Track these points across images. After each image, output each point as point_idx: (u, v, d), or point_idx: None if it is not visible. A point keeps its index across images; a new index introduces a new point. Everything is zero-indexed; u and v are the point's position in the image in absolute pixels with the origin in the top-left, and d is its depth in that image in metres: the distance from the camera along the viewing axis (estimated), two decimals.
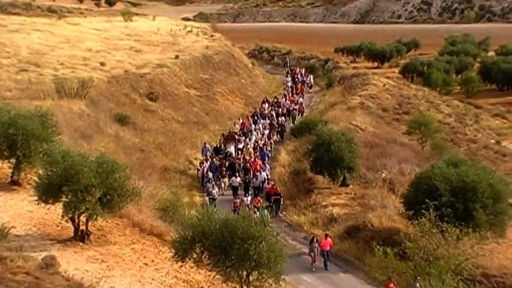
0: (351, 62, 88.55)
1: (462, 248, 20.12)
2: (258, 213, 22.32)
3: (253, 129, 46.71)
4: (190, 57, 60.37)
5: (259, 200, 33.30)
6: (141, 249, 21.53)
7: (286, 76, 68.83)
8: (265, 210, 28.02)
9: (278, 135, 48.66)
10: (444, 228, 20.64)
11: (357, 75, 68.28)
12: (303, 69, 71.23)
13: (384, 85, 63.51)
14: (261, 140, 44.37)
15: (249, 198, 34.08)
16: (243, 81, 64.61)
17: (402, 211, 28.80)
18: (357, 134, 42.83)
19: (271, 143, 45.06)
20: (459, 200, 26.02)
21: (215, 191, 35.29)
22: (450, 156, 30.45)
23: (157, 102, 49.10)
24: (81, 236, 21.12)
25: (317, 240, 27.39)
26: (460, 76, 76.00)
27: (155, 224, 23.79)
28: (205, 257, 18.73)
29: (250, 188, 36.62)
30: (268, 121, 49.41)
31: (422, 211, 21.90)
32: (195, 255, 18.84)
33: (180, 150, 42.42)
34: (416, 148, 44.12)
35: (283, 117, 51.08)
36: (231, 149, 41.71)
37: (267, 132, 46.85)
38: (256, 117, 49.67)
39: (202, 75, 58.99)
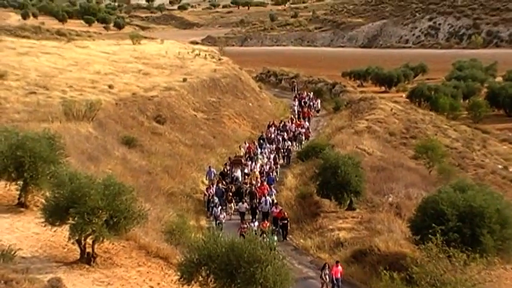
0: (358, 86, 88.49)
1: (469, 274, 19.93)
2: (265, 237, 22.22)
3: (259, 153, 46.69)
4: (198, 81, 60.63)
5: (266, 224, 33.21)
6: (147, 272, 21.49)
7: (294, 100, 68.99)
8: (274, 236, 27.77)
9: (284, 160, 48.64)
10: (451, 253, 20.49)
11: (364, 100, 68.36)
12: (311, 93, 71.39)
13: (391, 109, 63.56)
14: (267, 165, 44.25)
15: (256, 223, 33.90)
16: (250, 104, 64.77)
17: (409, 236, 28.62)
18: (363, 158, 42.73)
19: (277, 168, 45.01)
20: (466, 225, 25.86)
21: (222, 215, 35.22)
22: (457, 181, 30.23)
23: (165, 125, 49.23)
24: (87, 259, 21.11)
25: (329, 267, 27.14)
26: (467, 101, 75.89)
27: (161, 246, 23.76)
28: (211, 280, 18.67)
29: (257, 212, 36.53)
30: (274, 146, 49.40)
31: (429, 236, 21.76)
32: (201, 279, 18.78)
33: (187, 173, 42.42)
34: (423, 172, 44.00)
35: (289, 142, 51.08)
36: (238, 173, 41.67)
37: (272, 156, 46.80)
38: (262, 141, 49.67)
39: (210, 98, 59.21)
